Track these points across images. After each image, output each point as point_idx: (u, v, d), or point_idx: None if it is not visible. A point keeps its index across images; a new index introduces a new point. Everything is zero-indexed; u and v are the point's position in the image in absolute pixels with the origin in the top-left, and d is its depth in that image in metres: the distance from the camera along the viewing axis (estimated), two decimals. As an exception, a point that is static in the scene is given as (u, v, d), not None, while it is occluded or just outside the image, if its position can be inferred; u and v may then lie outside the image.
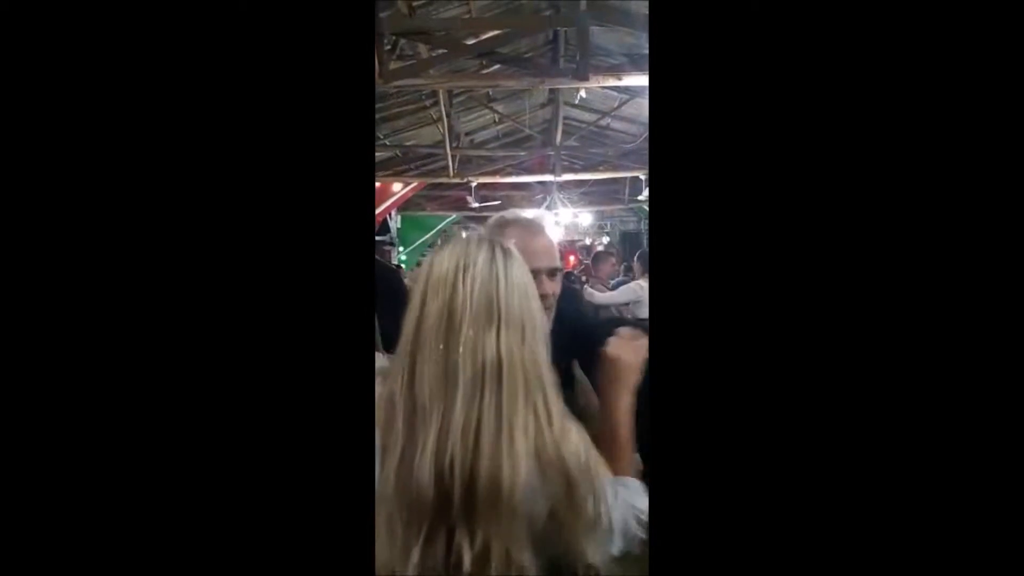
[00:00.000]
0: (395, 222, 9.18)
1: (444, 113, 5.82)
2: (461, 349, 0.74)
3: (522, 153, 7.54)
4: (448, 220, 10.24)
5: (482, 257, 0.77)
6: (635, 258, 4.58)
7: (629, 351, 0.90)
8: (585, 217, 9.63)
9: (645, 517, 0.78)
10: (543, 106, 6.93)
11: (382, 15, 3.46)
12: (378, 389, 0.78)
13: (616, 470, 0.83)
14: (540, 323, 0.80)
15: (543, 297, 0.89)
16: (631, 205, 9.54)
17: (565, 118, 6.78)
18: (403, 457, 0.75)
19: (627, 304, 4.16)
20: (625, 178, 8.06)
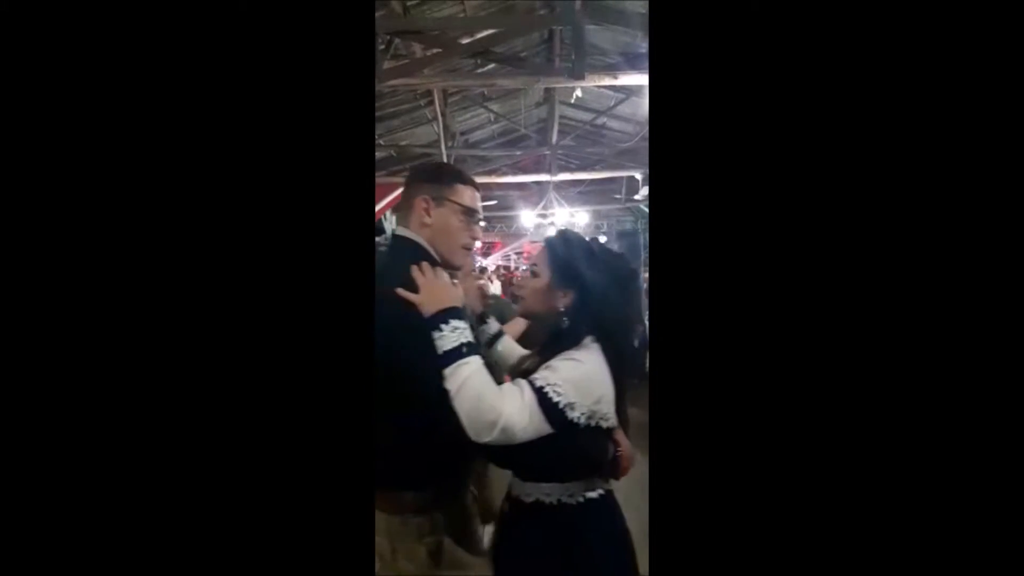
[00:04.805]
0: (390, 222, 9.18)
1: (439, 112, 5.81)
2: None
3: (518, 152, 7.55)
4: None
5: None
6: None
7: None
8: (581, 216, 9.62)
9: None
10: (538, 105, 6.93)
11: (376, 14, 3.46)
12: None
13: None
14: None
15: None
16: (627, 204, 9.56)
17: (561, 117, 6.79)
18: None
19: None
20: (621, 177, 8.09)
